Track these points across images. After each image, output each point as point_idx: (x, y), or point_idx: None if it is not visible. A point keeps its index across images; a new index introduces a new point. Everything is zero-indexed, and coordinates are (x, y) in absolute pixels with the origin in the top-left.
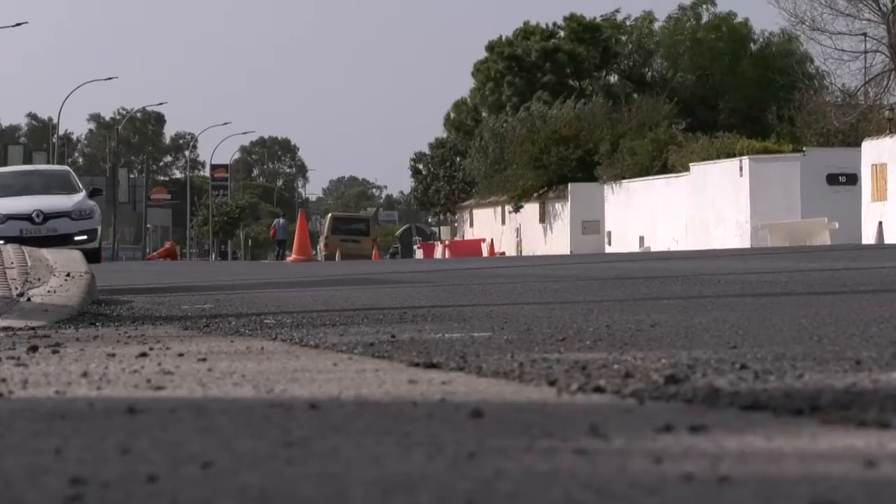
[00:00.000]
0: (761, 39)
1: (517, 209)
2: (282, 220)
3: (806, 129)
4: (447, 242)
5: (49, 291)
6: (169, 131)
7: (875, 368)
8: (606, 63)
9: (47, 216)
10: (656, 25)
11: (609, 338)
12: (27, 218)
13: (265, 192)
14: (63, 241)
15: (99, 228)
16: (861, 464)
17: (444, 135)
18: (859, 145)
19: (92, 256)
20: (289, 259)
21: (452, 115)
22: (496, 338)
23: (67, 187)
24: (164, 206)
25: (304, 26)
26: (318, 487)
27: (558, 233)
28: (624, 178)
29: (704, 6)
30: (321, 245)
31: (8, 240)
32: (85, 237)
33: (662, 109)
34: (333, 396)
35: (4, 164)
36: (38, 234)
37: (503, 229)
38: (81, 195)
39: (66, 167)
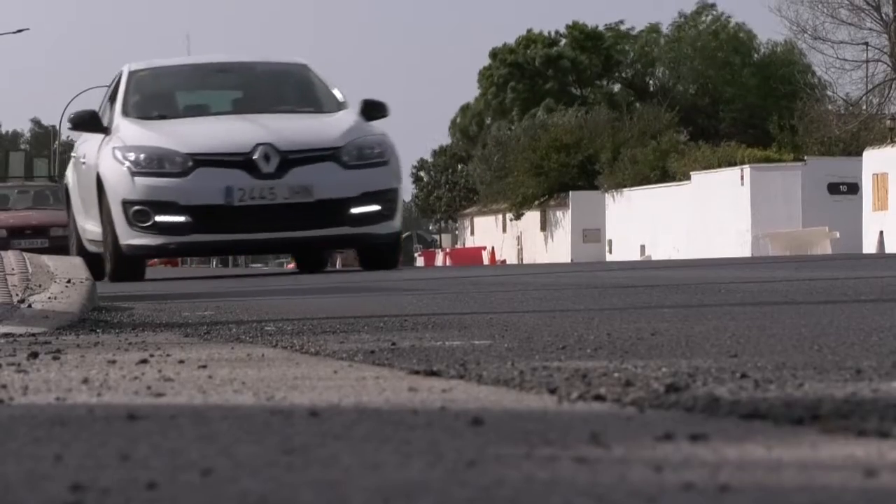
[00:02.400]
0: (763, 48)
1: (518, 217)
2: None
3: (807, 137)
4: (448, 250)
5: (50, 298)
6: None
7: (875, 378)
8: (608, 71)
9: (287, 158)
10: (661, 39)
11: (610, 346)
12: (242, 162)
13: None
14: (328, 215)
15: (400, 188)
16: (861, 473)
17: (446, 142)
18: (860, 154)
19: (383, 253)
20: (288, 266)
21: (459, 119)
22: (496, 346)
23: (310, 100)
24: None
25: (304, 34)
26: (317, 494)
27: (559, 241)
28: (625, 186)
29: (706, 14)
30: None
31: (202, 211)
32: (376, 207)
33: (664, 118)
34: (333, 404)
35: (5, 172)
36: (272, 199)
37: (504, 237)
38: (352, 114)
39: (301, 60)
